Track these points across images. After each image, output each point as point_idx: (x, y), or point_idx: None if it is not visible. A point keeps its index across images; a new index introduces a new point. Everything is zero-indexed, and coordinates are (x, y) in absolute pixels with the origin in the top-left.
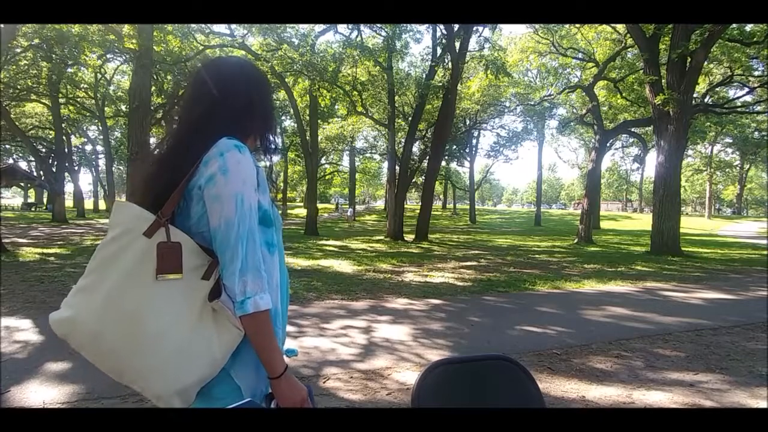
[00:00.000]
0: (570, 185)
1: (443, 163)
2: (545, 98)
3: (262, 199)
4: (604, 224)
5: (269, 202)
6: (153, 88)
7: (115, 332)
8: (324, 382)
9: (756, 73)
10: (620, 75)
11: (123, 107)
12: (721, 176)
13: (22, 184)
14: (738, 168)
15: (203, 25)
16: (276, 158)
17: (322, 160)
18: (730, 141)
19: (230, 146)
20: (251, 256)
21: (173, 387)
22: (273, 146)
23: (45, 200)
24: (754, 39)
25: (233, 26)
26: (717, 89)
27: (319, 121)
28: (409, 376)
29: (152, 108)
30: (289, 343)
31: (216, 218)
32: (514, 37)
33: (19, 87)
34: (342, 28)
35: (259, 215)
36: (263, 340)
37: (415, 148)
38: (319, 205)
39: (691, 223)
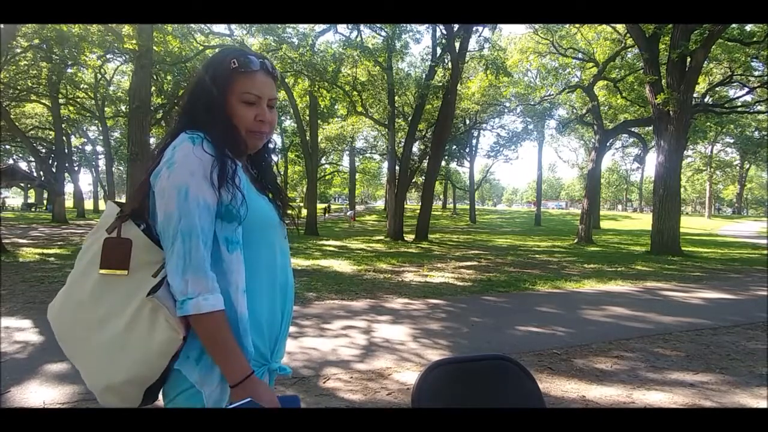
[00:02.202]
0: (570, 185)
1: (443, 163)
2: (545, 98)
3: (226, 193)
4: (604, 224)
5: (235, 196)
6: (153, 88)
7: (63, 319)
8: (324, 383)
9: (756, 73)
10: (620, 75)
11: (123, 107)
12: (721, 176)
13: (22, 184)
14: (738, 167)
15: (203, 25)
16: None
17: (322, 160)
18: (731, 141)
19: (184, 139)
20: (194, 253)
21: (102, 382)
22: (231, 142)
23: (45, 201)
24: (754, 39)
25: (233, 26)
26: (717, 89)
27: (319, 121)
28: (409, 376)
29: (152, 108)
30: (287, 345)
31: (161, 213)
32: (514, 38)
33: (19, 87)
34: (342, 28)
35: (221, 210)
36: (212, 344)
37: (415, 148)
38: (326, 205)
39: (691, 223)
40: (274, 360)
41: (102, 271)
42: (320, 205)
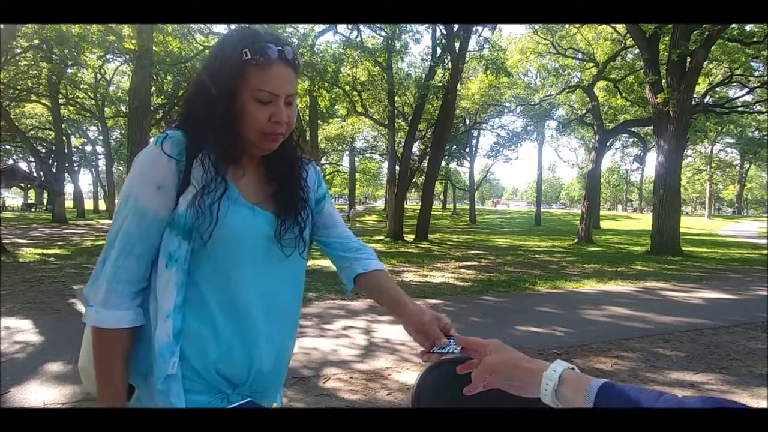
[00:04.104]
0: (570, 185)
1: (443, 163)
2: (545, 98)
3: (183, 201)
4: (604, 224)
5: (193, 207)
6: (153, 88)
7: None
8: (324, 383)
9: (756, 73)
10: (620, 75)
11: (123, 107)
12: (721, 176)
13: (22, 184)
14: (738, 167)
15: (203, 25)
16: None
17: (322, 161)
18: (731, 141)
19: (155, 140)
20: (108, 262)
21: (79, 363)
22: (221, 147)
23: (45, 201)
24: (754, 39)
25: (233, 26)
26: (717, 89)
27: (319, 121)
28: (409, 376)
29: (152, 108)
30: None
31: None
32: (514, 38)
33: (19, 87)
34: (342, 28)
35: (172, 219)
36: (94, 359)
37: (415, 148)
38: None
39: (691, 223)
40: (238, 392)
41: None
42: None
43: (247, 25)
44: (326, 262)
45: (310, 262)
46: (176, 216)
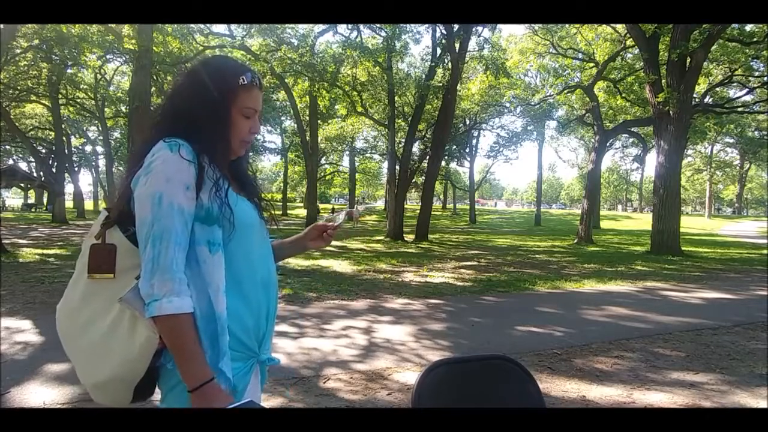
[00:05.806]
0: (570, 185)
1: (443, 163)
2: (545, 99)
3: (205, 196)
4: (604, 224)
5: (214, 200)
6: (153, 88)
7: (62, 320)
8: (324, 383)
9: (756, 74)
10: (620, 75)
11: (123, 108)
12: (721, 176)
13: (22, 184)
14: (738, 167)
15: (203, 26)
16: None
17: (322, 161)
18: (731, 141)
19: (162, 146)
20: (163, 256)
21: (89, 380)
22: (220, 152)
23: (45, 201)
24: (754, 39)
25: (233, 26)
26: (717, 89)
27: (318, 121)
28: (409, 376)
29: (152, 108)
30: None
31: (137, 218)
32: (514, 38)
33: (19, 88)
34: (342, 28)
35: (201, 214)
36: (172, 346)
37: (415, 148)
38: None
39: (691, 223)
40: (262, 352)
41: (89, 277)
42: (323, 206)
43: (226, 55)
44: (326, 262)
45: (309, 262)
46: (205, 209)
